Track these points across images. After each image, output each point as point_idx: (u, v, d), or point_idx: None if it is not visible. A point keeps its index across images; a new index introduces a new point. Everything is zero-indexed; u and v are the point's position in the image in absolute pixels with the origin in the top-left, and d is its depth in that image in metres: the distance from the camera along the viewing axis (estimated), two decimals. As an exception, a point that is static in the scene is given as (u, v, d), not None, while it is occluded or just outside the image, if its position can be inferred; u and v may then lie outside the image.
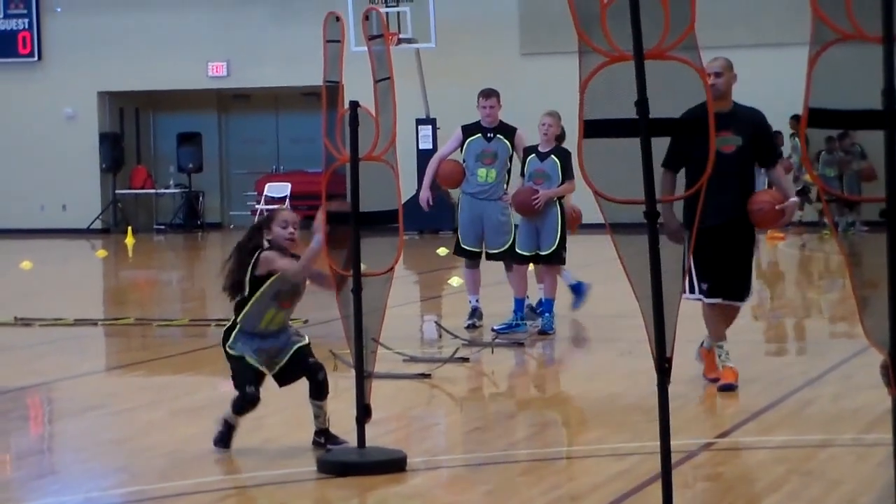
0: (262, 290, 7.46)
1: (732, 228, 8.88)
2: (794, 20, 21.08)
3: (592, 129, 5.63)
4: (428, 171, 12.80)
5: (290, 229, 7.54)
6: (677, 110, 5.64)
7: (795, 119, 22.27)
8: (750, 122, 8.97)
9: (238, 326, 7.52)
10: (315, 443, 7.55)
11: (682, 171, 7.22)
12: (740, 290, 9.13)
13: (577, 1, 5.57)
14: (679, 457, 6.85)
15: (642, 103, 5.55)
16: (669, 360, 5.56)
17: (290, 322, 7.68)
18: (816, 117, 5.40)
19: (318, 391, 7.52)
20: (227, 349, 7.53)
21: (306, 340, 7.63)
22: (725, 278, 9.02)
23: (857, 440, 7.64)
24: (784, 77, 18.68)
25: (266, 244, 7.54)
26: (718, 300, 9.04)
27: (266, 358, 7.51)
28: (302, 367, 7.54)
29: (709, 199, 8.53)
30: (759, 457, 7.46)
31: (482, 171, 12.42)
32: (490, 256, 12.48)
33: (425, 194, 12.82)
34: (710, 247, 8.74)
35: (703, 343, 9.37)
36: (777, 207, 8.73)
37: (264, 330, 7.51)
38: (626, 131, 5.61)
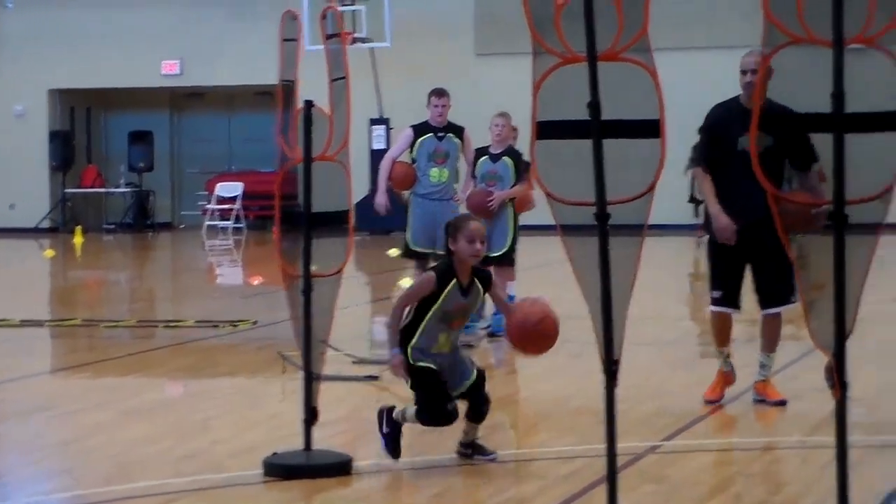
0: (431, 312, 7.00)
1: (762, 229, 8.10)
2: (750, 23, 21.27)
3: (545, 130, 5.63)
4: (382, 175, 12.71)
5: (478, 245, 6.95)
6: (630, 112, 5.63)
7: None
8: (782, 121, 8.44)
9: (408, 355, 7.06)
10: (460, 454, 7.26)
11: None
12: (782, 294, 8.63)
13: (531, 2, 5.56)
14: (626, 459, 6.85)
15: (595, 105, 5.54)
16: (617, 363, 5.56)
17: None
18: (766, 119, 5.42)
19: (478, 417, 7.18)
20: (413, 362, 7.05)
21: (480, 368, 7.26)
22: (759, 285, 8.68)
23: (802, 442, 7.68)
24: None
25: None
26: (724, 310, 8.73)
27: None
28: (474, 393, 7.13)
29: (736, 201, 8.49)
30: (705, 459, 7.47)
31: (435, 171, 12.39)
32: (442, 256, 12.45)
33: (382, 199, 12.73)
34: (731, 250, 8.53)
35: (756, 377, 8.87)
36: (813, 212, 8.20)
37: (437, 353, 7.07)
38: (579, 133, 5.60)
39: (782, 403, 8.61)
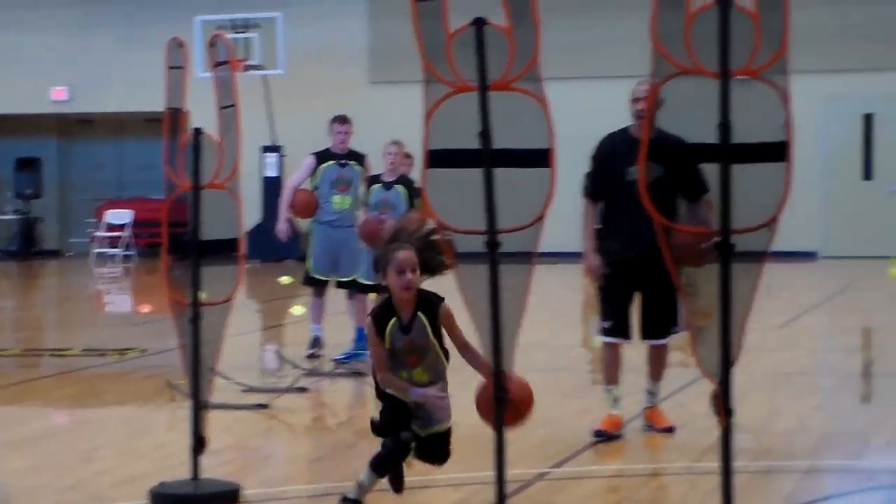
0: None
1: (649, 261, 8.12)
2: (642, 53, 21.43)
3: (436, 158, 5.65)
4: (283, 202, 12.70)
5: (408, 275, 6.36)
6: (521, 141, 5.67)
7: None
8: (672, 151, 8.42)
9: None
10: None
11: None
12: (664, 326, 8.65)
13: (423, 31, 5.59)
14: (515, 486, 6.86)
15: (485, 134, 5.57)
16: (507, 390, 5.58)
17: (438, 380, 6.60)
18: (656, 149, 5.49)
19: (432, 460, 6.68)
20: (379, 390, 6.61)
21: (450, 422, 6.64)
22: (645, 315, 8.65)
23: (689, 468, 7.75)
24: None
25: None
26: (615, 340, 8.72)
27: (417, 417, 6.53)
28: (437, 451, 6.61)
29: (625, 231, 8.52)
30: (592, 486, 7.51)
31: (337, 199, 12.39)
32: (343, 284, 12.39)
33: (284, 226, 12.72)
34: (621, 280, 8.57)
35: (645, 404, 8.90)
36: (703, 246, 8.00)
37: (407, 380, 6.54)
38: (470, 162, 5.63)
39: (670, 430, 8.68)
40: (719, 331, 5.26)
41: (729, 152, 5.24)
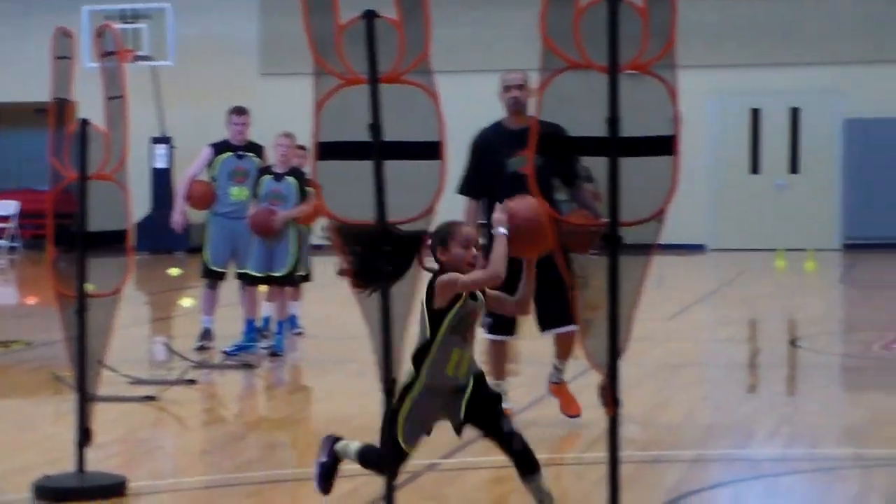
0: (445, 323, 5.97)
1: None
2: (529, 47, 21.60)
3: (327, 151, 5.64)
4: (179, 193, 12.62)
5: (473, 251, 6.05)
6: (411, 134, 5.67)
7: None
8: (552, 140, 8.40)
9: (421, 382, 6.03)
10: None
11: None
12: (563, 316, 8.47)
13: (313, 23, 5.57)
14: (404, 478, 6.88)
15: (375, 126, 5.57)
16: (395, 382, 5.60)
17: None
18: (540, 140, 5.53)
19: (527, 466, 6.22)
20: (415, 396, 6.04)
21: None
22: (540, 308, 8.45)
23: (577, 459, 7.82)
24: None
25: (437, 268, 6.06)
26: (501, 337, 8.70)
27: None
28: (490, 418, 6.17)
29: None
30: (481, 477, 7.55)
31: (235, 190, 12.34)
32: (241, 276, 12.32)
33: (179, 218, 12.63)
34: (507, 276, 8.47)
35: (550, 378, 8.93)
36: (592, 230, 7.90)
37: (453, 378, 6.05)
38: (360, 154, 5.62)
39: (576, 416, 8.73)
40: (607, 322, 5.32)
41: (617, 146, 5.30)
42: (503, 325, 8.65)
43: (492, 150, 8.61)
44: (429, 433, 6.11)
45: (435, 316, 5.95)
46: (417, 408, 5.98)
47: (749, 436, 8.52)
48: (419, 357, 5.98)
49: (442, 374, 5.97)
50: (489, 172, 8.61)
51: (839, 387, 11.01)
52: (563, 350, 8.82)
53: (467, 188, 8.75)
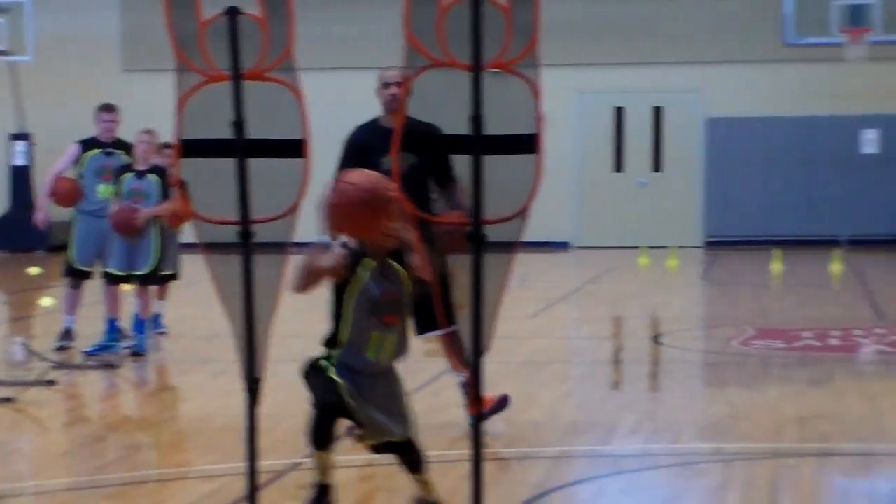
0: (349, 303, 5.81)
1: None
2: (396, 45, 21.63)
3: (190, 148, 5.59)
4: (44, 190, 12.42)
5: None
6: (276, 131, 5.64)
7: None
8: (425, 139, 8.19)
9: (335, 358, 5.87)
10: None
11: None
12: (429, 321, 8.06)
13: (175, 19, 5.51)
14: (268, 477, 6.85)
15: (239, 124, 5.54)
16: (258, 381, 5.57)
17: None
18: (410, 138, 5.54)
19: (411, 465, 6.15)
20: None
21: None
22: (415, 309, 8.30)
23: (441, 456, 7.83)
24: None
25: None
26: (425, 335, 8.38)
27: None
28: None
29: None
30: (346, 475, 7.50)
31: (102, 188, 12.19)
32: (105, 275, 12.15)
33: (42, 215, 12.46)
34: None
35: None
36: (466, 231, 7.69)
37: (375, 363, 5.86)
38: (224, 152, 5.58)
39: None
40: (470, 320, 5.34)
41: (481, 144, 5.32)
42: (423, 323, 8.27)
43: (367, 147, 8.58)
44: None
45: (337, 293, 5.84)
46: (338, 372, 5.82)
47: (612, 432, 8.61)
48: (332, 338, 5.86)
49: (359, 354, 5.83)
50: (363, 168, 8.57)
51: (700, 382, 11.19)
52: (451, 357, 8.76)
53: None
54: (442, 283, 7.93)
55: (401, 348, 5.95)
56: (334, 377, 5.80)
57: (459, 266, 5.52)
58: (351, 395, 5.77)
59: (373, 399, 5.86)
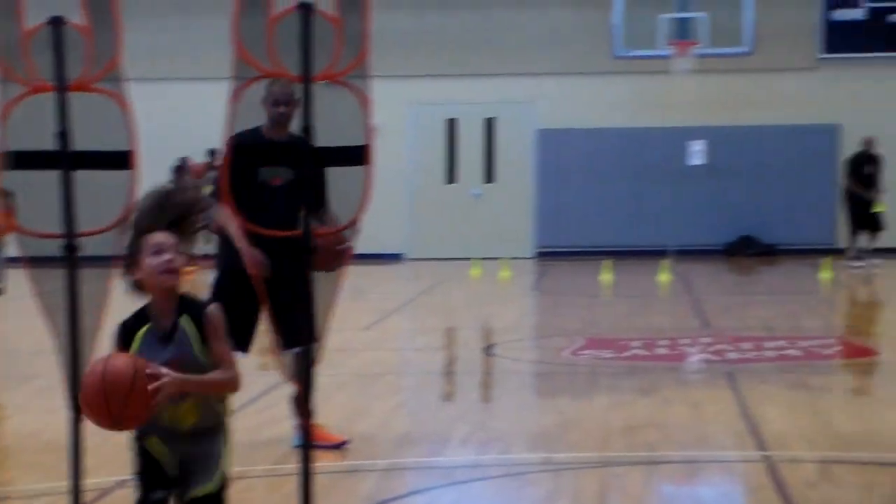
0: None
1: (282, 264, 7.71)
2: (228, 56, 21.43)
3: (16, 160, 5.49)
4: None
5: (167, 255, 4.82)
6: (102, 143, 5.56)
7: (211, 152, 22.61)
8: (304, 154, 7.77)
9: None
10: None
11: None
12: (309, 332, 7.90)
13: (-2, 28, 5.41)
14: (93, 495, 6.73)
15: (63, 135, 5.44)
16: (78, 398, 5.47)
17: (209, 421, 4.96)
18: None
19: None
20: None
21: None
22: (284, 323, 7.67)
23: (270, 471, 7.79)
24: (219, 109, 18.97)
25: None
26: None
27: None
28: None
29: (258, 238, 8.10)
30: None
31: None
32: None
33: None
34: (246, 288, 7.89)
35: None
36: (338, 248, 7.34)
37: (172, 429, 4.91)
38: (49, 163, 5.49)
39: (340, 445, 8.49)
40: (300, 333, 5.31)
41: (318, 155, 5.31)
42: (288, 338, 7.70)
43: (245, 155, 8.41)
44: None
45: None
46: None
47: (444, 443, 8.64)
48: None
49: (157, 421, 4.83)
50: (242, 179, 8.42)
51: (531, 393, 11.28)
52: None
53: (218, 193, 8.69)
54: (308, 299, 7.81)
55: (208, 412, 4.95)
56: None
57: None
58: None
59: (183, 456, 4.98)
